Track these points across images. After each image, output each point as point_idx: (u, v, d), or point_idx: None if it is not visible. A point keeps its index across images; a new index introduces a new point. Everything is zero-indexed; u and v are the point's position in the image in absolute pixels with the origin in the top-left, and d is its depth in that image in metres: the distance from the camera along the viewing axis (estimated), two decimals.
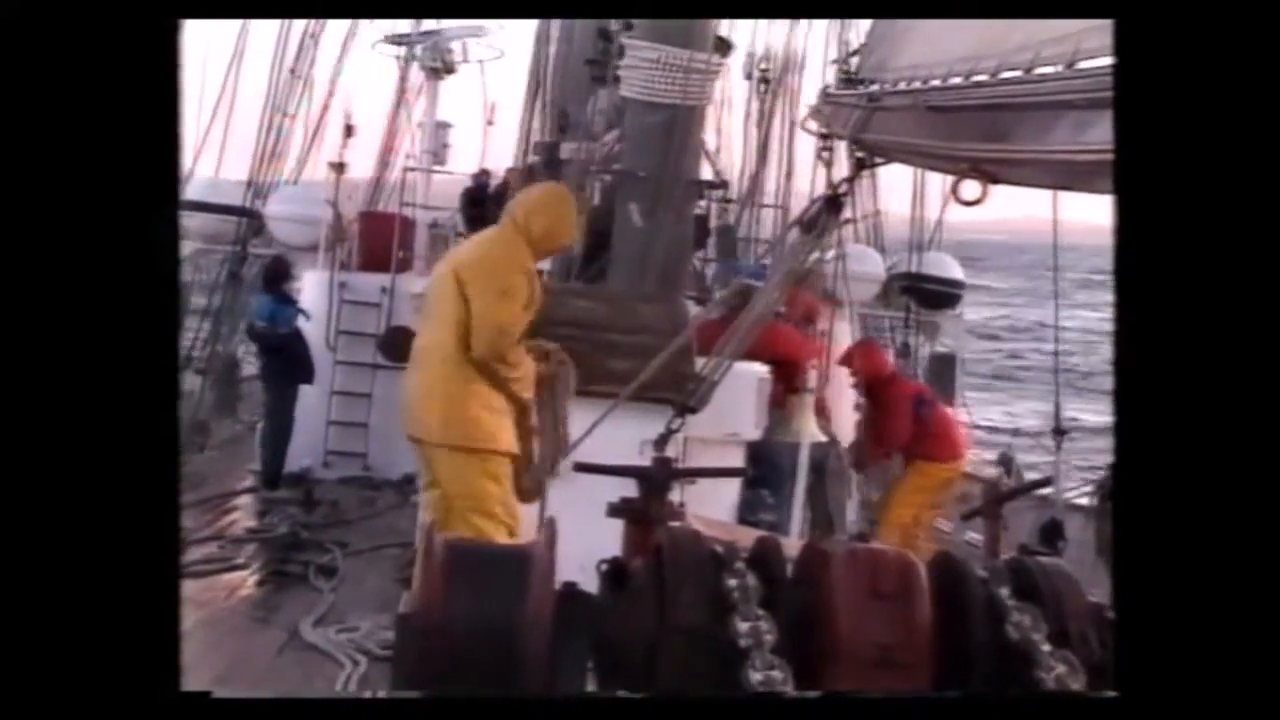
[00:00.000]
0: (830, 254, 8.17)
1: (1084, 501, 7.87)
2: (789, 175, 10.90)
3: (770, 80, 11.40)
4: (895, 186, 12.84)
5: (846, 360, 8.53)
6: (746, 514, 6.60)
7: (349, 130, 12.60)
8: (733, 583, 1.68)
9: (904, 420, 8.15)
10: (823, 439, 7.73)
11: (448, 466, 4.63)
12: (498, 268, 4.74)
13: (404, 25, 13.71)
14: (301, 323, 9.47)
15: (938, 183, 9.76)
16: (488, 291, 4.65)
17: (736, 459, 6.21)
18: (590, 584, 1.87)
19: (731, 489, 6.36)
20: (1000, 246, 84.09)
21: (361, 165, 14.38)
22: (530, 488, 4.80)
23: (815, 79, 10.22)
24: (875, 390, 8.22)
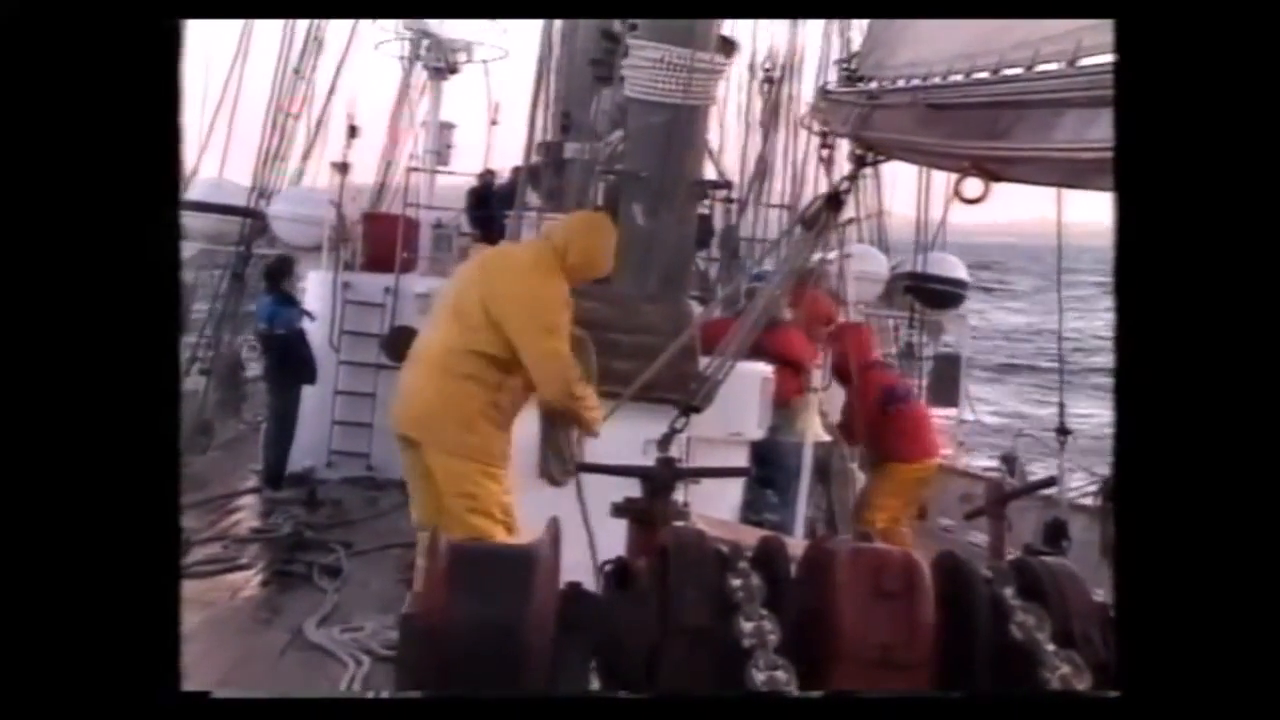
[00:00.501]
0: (834, 254, 8.17)
1: (1088, 501, 7.88)
2: (794, 175, 10.91)
3: (774, 80, 11.40)
4: (900, 186, 12.86)
5: (835, 334, 8.45)
6: (750, 514, 6.62)
7: (353, 131, 12.63)
8: (736, 583, 1.68)
9: (866, 410, 7.88)
10: (826, 439, 7.73)
11: (445, 467, 4.61)
12: (541, 307, 4.58)
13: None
14: (305, 323, 9.47)
15: (942, 182, 9.77)
16: (535, 332, 4.51)
17: (740, 459, 6.22)
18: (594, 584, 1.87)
19: (735, 489, 6.37)
20: (1011, 249, 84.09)
21: (365, 166, 14.44)
22: (559, 471, 4.73)
23: (816, 77, 10.21)
24: (849, 375, 8.10)
